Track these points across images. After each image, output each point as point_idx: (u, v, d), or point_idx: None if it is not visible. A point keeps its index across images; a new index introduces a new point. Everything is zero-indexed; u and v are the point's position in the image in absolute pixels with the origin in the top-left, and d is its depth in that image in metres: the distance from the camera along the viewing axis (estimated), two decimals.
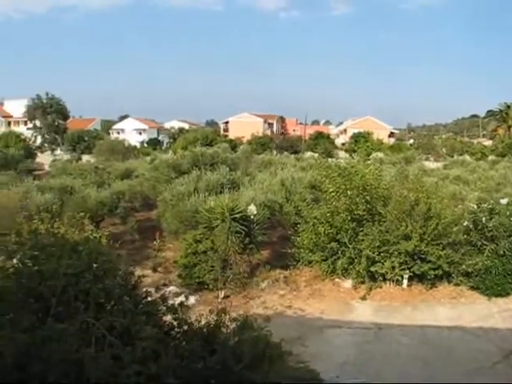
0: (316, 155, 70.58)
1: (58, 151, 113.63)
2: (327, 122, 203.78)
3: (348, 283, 23.51)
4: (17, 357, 7.75)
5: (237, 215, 23.31)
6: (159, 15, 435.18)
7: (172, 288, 23.49)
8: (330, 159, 42.19)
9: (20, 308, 8.47)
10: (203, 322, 10.15)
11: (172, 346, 8.87)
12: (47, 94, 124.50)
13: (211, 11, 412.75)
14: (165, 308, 9.77)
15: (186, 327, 9.66)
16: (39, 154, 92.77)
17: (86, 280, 8.83)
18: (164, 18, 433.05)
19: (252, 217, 24.27)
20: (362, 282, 23.25)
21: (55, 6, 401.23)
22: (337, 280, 23.88)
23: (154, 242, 29.96)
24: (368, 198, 23.09)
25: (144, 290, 10.15)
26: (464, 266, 22.48)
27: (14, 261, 9.50)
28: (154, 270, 26.08)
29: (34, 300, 8.71)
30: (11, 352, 7.65)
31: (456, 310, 21.31)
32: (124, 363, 8.07)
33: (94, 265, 9.41)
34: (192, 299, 20.92)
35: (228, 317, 10.31)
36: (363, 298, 22.40)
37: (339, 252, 23.34)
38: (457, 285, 23.06)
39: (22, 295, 8.70)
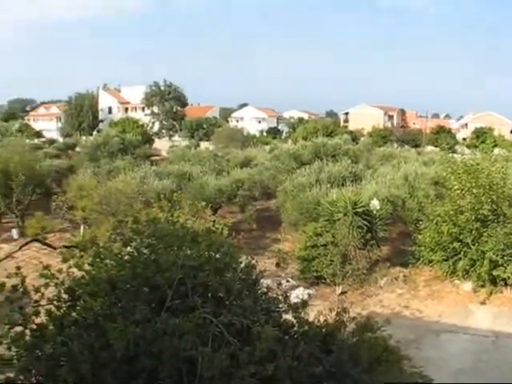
0: (438, 150, 69.13)
1: (176, 137, 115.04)
2: (447, 116, 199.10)
3: (468, 286, 22.58)
4: (127, 350, 7.55)
5: (359, 209, 22.92)
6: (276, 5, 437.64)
7: (289, 280, 23.32)
8: (453, 155, 41.08)
9: (133, 298, 8.26)
10: (322, 320, 9.80)
11: (290, 346, 8.48)
12: (165, 81, 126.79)
13: None
14: (286, 306, 9.42)
15: (306, 327, 9.31)
16: (157, 140, 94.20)
17: (206, 273, 8.55)
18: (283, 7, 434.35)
19: (374, 212, 23.80)
20: (483, 286, 22.18)
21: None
22: (456, 282, 22.99)
23: (278, 236, 29.79)
24: (494, 197, 22.11)
25: (265, 285, 9.82)
26: None
27: (130, 249, 9.36)
28: (277, 264, 25.97)
29: (149, 291, 8.47)
30: (121, 345, 7.46)
31: None
32: (240, 363, 7.72)
33: (215, 257, 9.15)
34: (309, 292, 20.70)
35: (347, 316, 9.93)
36: (482, 303, 21.46)
37: (461, 253, 22.34)
38: None
39: (137, 285, 8.48)
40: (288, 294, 9.67)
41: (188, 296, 8.26)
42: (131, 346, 7.52)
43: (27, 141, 70.32)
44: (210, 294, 8.49)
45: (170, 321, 7.74)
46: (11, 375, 8.09)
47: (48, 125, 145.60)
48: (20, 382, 8.10)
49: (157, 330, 7.71)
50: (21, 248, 18.13)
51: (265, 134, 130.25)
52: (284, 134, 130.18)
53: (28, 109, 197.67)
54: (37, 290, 8.74)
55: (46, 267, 8.95)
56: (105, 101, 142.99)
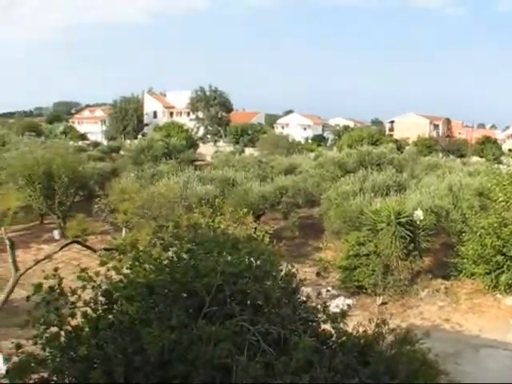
0: (483, 160, 68.33)
1: (221, 143, 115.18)
2: (493, 127, 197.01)
3: (510, 300, 22.17)
4: (161, 355, 7.51)
5: (403, 219, 22.66)
6: (315, 14, 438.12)
7: (329, 290, 23.19)
8: (499, 165, 40.72)
9: (171, 304, 8.23)
10: (360, 331, 9.69)
11: (327, 356, 8.37)
12: (210, 87, 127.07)
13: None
14: (325, 316, 9.32)
15: (344, 338, 9.19)
16: (201, 145, 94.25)
17: (245, 280, 8.48)
18: (325, 16, 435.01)
19: (418, 222, 23.52)
20: None
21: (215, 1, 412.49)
22: (498, 296, 22.57)
23: (320, 244, 29.66)
24: None
25: (305, 294, 9.73)
26: None
27: (170, 253, 9.33)
28: (318, 274, 25.86)
29: (187, 296, 8.45)
30: (156, 350, 7.42)
31: None
32: (275, 373, 7.61)
33: (255, 264, 9.08)
34: (349, 302, 20.55)
35: (386, 327, 9.81)
36: None
37: (504, 266, 21.83)
38: None
39: (175, 290, 8.45)
40: (327, 304, 9.57)
41: (226, 303, 8.21)
42: (166, 351, 7.49)
43: (71, 143, 70.90)
44: (248, 302, 8.41)
45: (207, 328, 7.67)
46: (45, 375, 8.12)
47: (92, 127, 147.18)
48: (53, 382, 8.14)
49: (192, 337, 7.66)
50: (61, 249, 18.16)
51: (310, 141, 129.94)
52: (329, 142, 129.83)
53: (73, 111, 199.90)
54: (74, 292, 8.78)
55: (84, 270, 8.98)
56: (150, 105, 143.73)
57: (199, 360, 7.48)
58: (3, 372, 8.66)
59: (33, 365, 8.01)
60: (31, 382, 8.03)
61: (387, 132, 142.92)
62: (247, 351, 7.71)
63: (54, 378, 8.10)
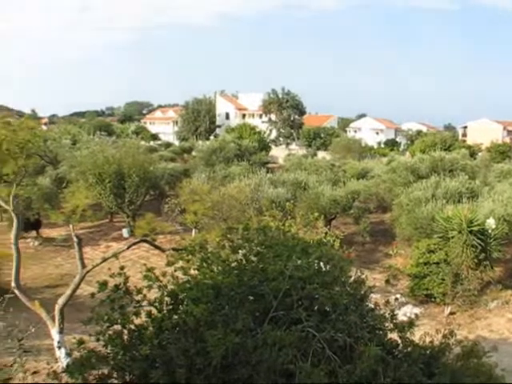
0: None
1: (293, 146, 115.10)
2: None
3: None
4: (224, 358, 7.39)
5: (474, 228, 22.21)
6: (389, 17, 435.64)
7: (398, 298, 22.88)
8: None
9: (237, 306, 8.12)
10: (427, 341, 9.43)
11: (392, 366, 8.14)
12: (283, 89, 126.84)
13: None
14: (392, 325, 9.10)
15: (410, 348, 8.96)
16: (273, 148, 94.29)
17: (314, 286, 8.30)
18: (385, 19, 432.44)
19: (490, 231, 23.02)
20: None
21: (285, 3, 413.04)
22: None
23: (390, 250, 29.36)
24: None
25: (373, 301, 9.51)
26: None
27: (239, 256, 9.24)
28: (387, 281, 25.55)
29: (253, 300, 8.32)
30: (219, 352, 7.31)
31: None
32: (339, 381, 7.43)
33: (324, 269, 8.91)
34: (417, 311, 20.22)
35: (453, 339, 9.54)
36: None
37: None
38: None
39: (242, 293, 8.33)
40: (395, 313, 9.34)
41: (293, 308, 8.05)
42: (229, 354, 7.38)
43: (142, 143, 71.62)
44: (315, 308, 8.24)
45: (272, 332, 7.53)
46: (105, 372, 8.13)
47: (164, 128, 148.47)
48: (113, 379, 8.15)
49: (257, 341, 7.54)
50: (129, 247, 18.25)
51: (382, 145, 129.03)
52: (402, 146, 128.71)
53: (144, 112, 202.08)
54: (139, 291, 8.78)
55: (150, 269, 8.96)
56: (222, 106, 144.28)
57: (262, 364, 7.38)
58: (64, 366, 8.70)
59: (93, 361, 8.02)
60: (91, 377, 8.04)
61: (460, 137, 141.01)
62: (311, 358, 7.54)
63: (114, 375, 8.11)
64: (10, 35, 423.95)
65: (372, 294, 9.64)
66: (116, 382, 8.18)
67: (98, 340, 8.29)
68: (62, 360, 14.37)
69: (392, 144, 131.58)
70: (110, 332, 8.32)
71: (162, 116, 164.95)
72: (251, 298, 8.35)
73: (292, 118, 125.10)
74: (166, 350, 7.79)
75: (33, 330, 15.21)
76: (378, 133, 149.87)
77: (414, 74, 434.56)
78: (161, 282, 8.87)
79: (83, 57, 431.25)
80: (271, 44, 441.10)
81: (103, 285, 8.85)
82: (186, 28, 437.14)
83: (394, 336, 9.06)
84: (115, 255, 15.16)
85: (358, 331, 8.22)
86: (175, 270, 9.09)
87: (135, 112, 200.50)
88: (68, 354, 9.32)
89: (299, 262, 8.64)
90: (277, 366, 7.35)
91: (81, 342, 8.36)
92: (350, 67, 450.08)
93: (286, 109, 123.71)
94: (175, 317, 8.44)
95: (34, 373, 14.21)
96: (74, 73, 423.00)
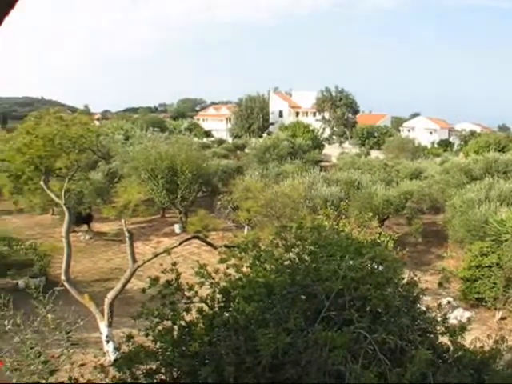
0: None
1: (346, 144, 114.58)
2: None
3: None
4: (274, 357, 7.31)
5: None
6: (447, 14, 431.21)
7: (450, 301, 22.61)
8: None
9: (289, 305, 8.04)
10: (477, 346, 9.25)
11: (442, 370, 7.97)
12: (336, 88, 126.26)
13: None
14: (443, 328, 8.92)
15: (460, 353, 8.77)
16: (327, 146, 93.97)
17: (366, 287, 8.18)
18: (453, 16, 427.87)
19: None
20: None
21: (336, 2, 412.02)
22: None
23: (443, 252, 29.02)
24: None
25: (425, 304, 9.35)
26: None
27: (291, 254, 9.16)
28: (440, 284, 25.26)
29: (305, 299, 8.24)
30: (269, 352, 7.22)
31: None
32: None
33: (377, 270, 8.79)
34: (468, 315, 19.99)
35: (505, 345, 9.34)
36: None
37: None
38: None
39: (294, 292, 8.27)
40: (447, 316, 9.17)
41: (345, 308, 7.95)
42: (279, 353, 7.30)
43: (195, 139, 71.89)
44: (367, 309, 8.13)
45: (324, 333, 7.45)
46: (153, 367, 8.12)
47: (217, 125, 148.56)
48: (161, 374, 8.17)
49: (308, 341, 7.47)
50: (181, 243, 18.32)
51: (436, 145, 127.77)
52: (455, 147, 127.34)
53: (197, 108, 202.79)
54: (191, 288, 8.77)
55: (203, 266, 8.94)
56: (275, 104, 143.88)
57: (312, 365, 7.33)
58: (112, 360, 8.72)
59: (142, 356, 8.03)
60: (138, 372, 8.04)
61: None
62: (362, 359, 7.42)
63: (162, 371, 8.10)
64: (61, 33, 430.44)
65: (424, 297, 9.49)
66: (163, 377, 8.17)
67: (146, 335, 8.32)
68: (110, 354, 14.45)
69: (445, 144, 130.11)
70: (160, 328, 8.32)
71: (215, 113, 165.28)
72: (303, 297, 8.29)
73: (345, 117, 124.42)
74: (216, 348, 7.78)
75: (81, 323, 15.28)
76: (431, 132, 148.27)
77: (468, 73, 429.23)
78: (213, 278, 8.84)
79: (137, 54, 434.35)
80: (324, 42, 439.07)
81: (155, 280, 8.88)
82: (239, 25, 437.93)
83: (444, 340, 8.90)
84: (167, 251, 15.21)
85: (410, 334, 8.10)
86: (227, 268, 9.07)
87: (188, 109, 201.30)
88: (116, 349, 9.33)
89: (352, 262, 8.55)
90: (327, 367, 7.30)
91: (130, 337, 8.38)
92: (403, 67, 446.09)
93: (340, 107, 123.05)
94: (226, 314, 8.42)
95: (81, 365, 14.26)
96: (127, 69, 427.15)
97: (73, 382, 8.81)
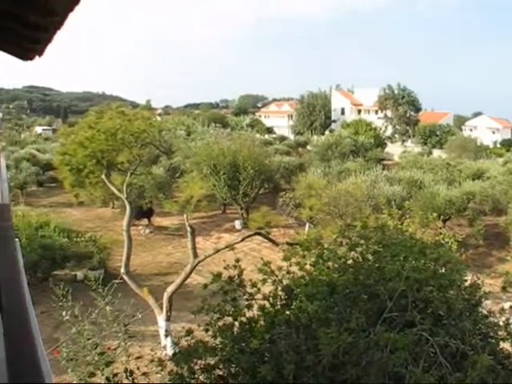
0: None
1: (409, 143, 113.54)
2: None
3: None
4: (334, 357, 7.28)
5: None
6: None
7: (511, 304, 22.26)
8: None
9: (351, 305, 8.00)
10: None
11: (501, 377, 7.81)
12: (399, 85, 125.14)
13: None
14: (505, 334, 8.76)
15: None
16: (389, 144, 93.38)
17: (429, 288, 8.08)
18: None
19: None
20: None
21: None
22: None
23: (506, 255, 28.62)
24: None
25: (487, 307, 9.21)
26: None
27: (355, 254, 9.12)
28: (504, 288, 24.85)
29: (368, 299, 8.19)
30: (330, 351, 7.18)
31: None
32: None
33: (440, 272, 8.68)
34: None
35: None
36: None
37: None
38: None
39: (356, 292, 8.22)
40: (510, 322, 9.00)
41: (407, 310, 7.87)
42: (340, 353, 7.26)
43: (257, 136, 72.07)
44: (429, 311, 8.03)
45: (385, 334, 7.39)
46: (211, 362, 8.17)
47: (279, 122, 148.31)
48: (218, 370, 8.21)
49: (369, 341, 7.42)
50: (243, 240, 18.41)
51: (498, 145, 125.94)
52: None
53: (259, 105, 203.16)
54: (254, 285, 8.79)
55: (267, 263, 8.95)
56: (337, 101, 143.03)
57: (373, 366, 7.28)
58: (170, 354, 8.78)
59: (200, 351, 8.06)
60: (196, 367, 8.08)
61: None
62: (423, 362, 7.33)
63: (220, 367, 8.13)
64: (121, 30, 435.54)
65: (486, 301, 9.35)
66: (220, 373, 8.20)
67: (206, 330, 8.34)
68: (168, 348, 14.56)
69: (508, 144, 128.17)
70: (220, 323, 8.35)
71: (277, 109, 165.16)
72: (365, 297, 8.23)
73: (408, 115, 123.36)
74: (276, 345, 7.78)
75: (139, 316, 15.48)
76: (494, 132, 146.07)
77: None
78: (276, 276, 8.85)
79: (198, 51, 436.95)
80: (386, 38, 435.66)
81: (217, 276, 8.91)
82: (301, 21, 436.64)
83: (505, 346, 8.75)
84: (230, 247, 15.30)
85: (471, 338, 7.97)
86: (290, 265, 9.07)
87: (249, 105, 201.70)
88: (175, 343, 9.39)
89: (416, 263, 8.45)
90: (387, 369, 7.24)
91: (189, 332, 8.43)
92: (465, 64, 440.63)
93: (402, 105, 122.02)
94: (287, 312, 8.42)
95: (138, 358, 14.42)
96: (188, 66, 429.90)
97: (128, 374, 8.89)
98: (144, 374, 9.66)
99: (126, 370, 9.11)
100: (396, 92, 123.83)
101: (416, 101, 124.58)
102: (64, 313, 13.12)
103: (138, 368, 9.75)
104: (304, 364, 7.45)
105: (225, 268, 9.21)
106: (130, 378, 8.87)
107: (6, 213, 6.04)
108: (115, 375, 9.29)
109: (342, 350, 7.24)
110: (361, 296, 8.21)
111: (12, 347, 2.93)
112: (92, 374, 10.42)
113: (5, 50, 5.70)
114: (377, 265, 8.58)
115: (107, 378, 9.42)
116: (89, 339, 12.17)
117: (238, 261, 9.35)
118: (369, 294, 8.21)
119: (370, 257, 8.91)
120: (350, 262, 8.97)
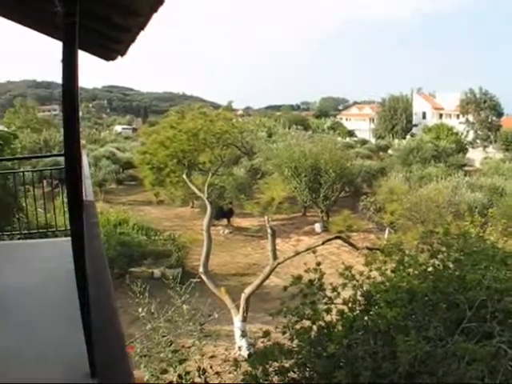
0: None
1: (490, 149, 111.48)
2: None
3: None
4: (411, 365, 7.20)
5: None
6: None
7: None
8: None
9: (429, 313, 7.85)
10: None
11: None
12: (481, 89, 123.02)
13: None
14: None
15: None
16: (470, 150, 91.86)
17: (510, 299, 7.84)
18: None
19: None
20: None
21: None
22: None
23: None
24: None
25: None
26: None
27: (436, 261, 8.93)
28: None
29: (447, 308, 8.01)
30: (408, 359, 7.07)
31: None
32: None
33: None
34: None
35: None
36: None
37: None
38: None
39: (435, 300, 8.05)
40: None
41: (486, 320, 7.67)
42: (417, 362, 7.11)
43: (339, 139, 71.72)
44: (509, 322, 7.79)
45: (464, 344, 7.21)
46: (285, 365, 8.18)
47: (360, 125, 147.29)
48: (292, 373, 8.25)
49: (447, 351, 7.25)
50: (324, 243, 18.31)
51: None
52: None
53: (340, 108, 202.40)
54: (334, 289, 8.72)
55: (348, 268, 8.87)
56: (418, 105, 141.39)
57: (449, 376, 7.20)
58: (245, 356, 8.77)
59: (276, 353, 8.01)
60: (270, 369, 8.04)
61: None
62: (500, 376, 7.12)
63: (295, 370, 8.07)
64: (201, 30, 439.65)
65: None
66: (294, 376, 8.15)
67: (283, 333, 8.29)
68: (244, 349, 14.56)
69: None
70: (298, 326, 8.29)
71: (358, 113, 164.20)
72: (444, 305, 8.03)
73: (490, 120, 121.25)
74: (353, 351, 7.69)
75: (216, 316, 15.53)
76: None
77: None
78: (357, 281, 8.75)
79: (278, 52, 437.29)
80: (469, 40, 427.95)
81: (298, 279, 8.86)
82: (380, 23, 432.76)
83: None
84: (311, 249, 15.21)
85: None
86: (370, 270, 8.96)
87: (330, 108, 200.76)
88: (251, 344, 9.38)
89: (497, 272, 8.24)
90: (464, 380, 7.11)
91: (266, 333, 8.39)
92: None
93: (484, 110, 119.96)
94: (366, 318, 8.31)
95: (211, 357, 14.39)
96: (268, 66, 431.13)
97: (201, 372, 8.90)
98: (217, 373, 9.67)
99: (198, 369, 9.14)
100: (478, 96, 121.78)
101: (498, 105, 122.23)
102: (140, 309, 13.25)
103: (211, 367, 9.78)
104: (380, 371, 7.40)
105: (305, 271, 9.15)
106: (203, 377, 8.89)
107: (92, 209, 6.11)
108: (187, 373, 9.33)
109: (419, 358, 7.11)
110: (440, 304, 8.09)
111: (99, 338, 3.16)
112: (164, 371, 10.51)
113: (88, 51, 5.75)
114: (457, 273, 8.47)
115: (179, 376, 9.46)
116: (163, 336, 12.28)
117: (318, 264, 9.30)
118: (448, 303, 8.08)
119: (450, 264, 8.79)
120: (430, 269, 8.85)
